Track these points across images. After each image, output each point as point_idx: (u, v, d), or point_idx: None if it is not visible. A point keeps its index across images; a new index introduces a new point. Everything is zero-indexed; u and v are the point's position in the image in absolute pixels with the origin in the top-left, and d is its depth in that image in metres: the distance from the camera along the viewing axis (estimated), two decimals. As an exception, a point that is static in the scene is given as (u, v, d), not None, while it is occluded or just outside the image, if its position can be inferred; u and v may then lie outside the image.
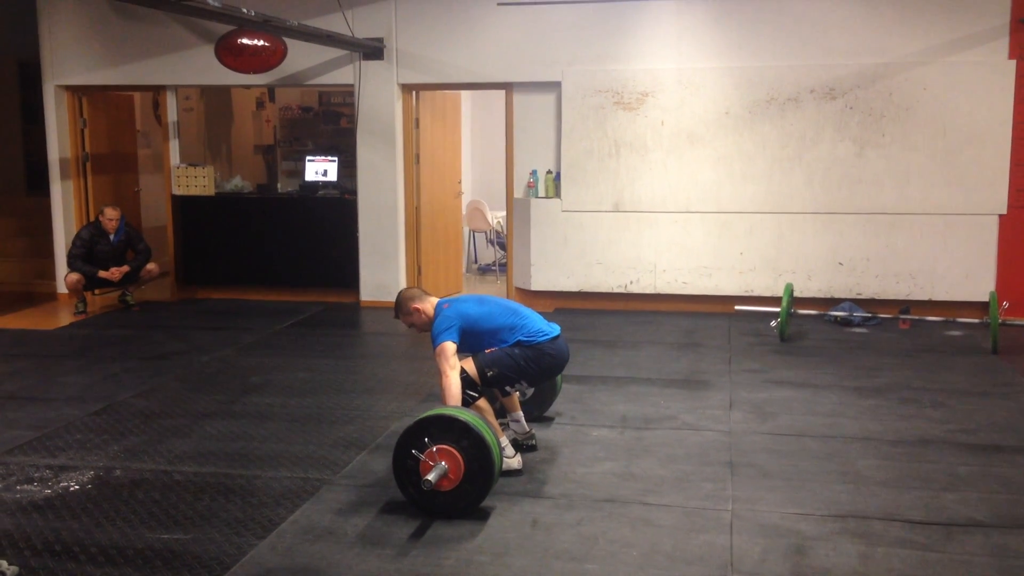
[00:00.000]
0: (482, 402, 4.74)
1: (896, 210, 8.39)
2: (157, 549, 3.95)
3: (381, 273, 9.37)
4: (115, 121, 10.42)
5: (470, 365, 4.72)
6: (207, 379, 6.67)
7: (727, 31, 8.51)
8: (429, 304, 4.91)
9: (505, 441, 4.75)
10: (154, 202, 10.86)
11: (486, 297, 5.02)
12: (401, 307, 4.97)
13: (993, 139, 8.18)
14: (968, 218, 8.30)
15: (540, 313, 5.08)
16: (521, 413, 5.11)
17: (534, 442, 5.09)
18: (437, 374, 4.69)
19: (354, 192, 9.41)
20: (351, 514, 4.31)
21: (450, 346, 4.67)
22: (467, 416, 4.28)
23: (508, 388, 4.89)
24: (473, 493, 4.22)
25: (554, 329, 4.93)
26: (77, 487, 4.64)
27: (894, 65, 8.25)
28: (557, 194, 8.99)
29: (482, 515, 4.26)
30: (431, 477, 4.10)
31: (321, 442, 5.29)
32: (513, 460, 4.74)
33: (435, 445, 4.18)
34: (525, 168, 9.10)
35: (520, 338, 4.79)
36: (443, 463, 4.17)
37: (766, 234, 8.63)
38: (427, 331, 4.88)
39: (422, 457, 4.18)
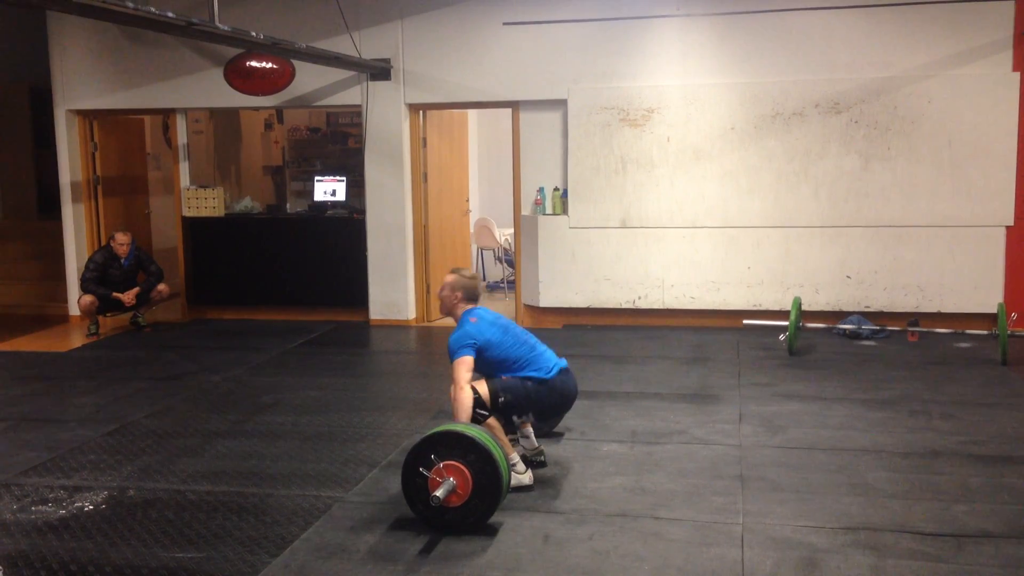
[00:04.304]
0: (492, 419, 4.76)
1: (903, 223, 8.41)
2: (171, 568, 3.98)
3: (390, 291, 9.41)
4: (125, 144, 10.52)
5: (483, 387, 4.75)
6: (219, 399, 6.71)
7: (731, 47, 8.56)
8: (462, 304, 4.93)
9: (516, 457, 4.76)
10: (164, 224, 10.93)
11: (509, 325, 4.99)
12: (450, 281, 4.94)
13: (999, 151, 8.19)
14: (975, 230, 8.31)
15: (550, 334, 5.11)
16: (531, 429, 5.13)
17: (543, 458, 5.10)
18: (451, 384, 4.73)
19: (363, 211, 9.47)
20: (363, 531, 4.33)
21: (468, 360, 4.71)
22: (473, 431, 4.31)
23: (516, 418, 4.92)
24: (482, 508, 4.24)
25: (562, 362, 4.99)
26: (91, 507, 4.68)
27: (898, 79, 8.28)
28: (564, 211, 9.02)
29: (493, 531, 4.28)
30: (439, 493, 4.12)
31: (333, 460, 5.32)
32: (524, 476, 4.76)
33: (442, 461, 4.21)
34: (532, 185, 9.15)
35: (531, 374, 4.84)
36: (451, 479, 4.19)
37: (773, 248, 8.65)
38: (446, 314, 4.97)
39: (429, 475, 4.21)
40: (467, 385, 4.64)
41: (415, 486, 4.27)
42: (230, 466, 5.26)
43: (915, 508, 4.45)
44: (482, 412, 4.69)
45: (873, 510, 4.44)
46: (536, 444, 5.12)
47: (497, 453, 4.26)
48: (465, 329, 4.81)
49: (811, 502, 4.54)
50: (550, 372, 4.89)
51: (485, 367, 4.85)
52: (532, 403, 4.84)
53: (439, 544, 4.16)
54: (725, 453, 5.28)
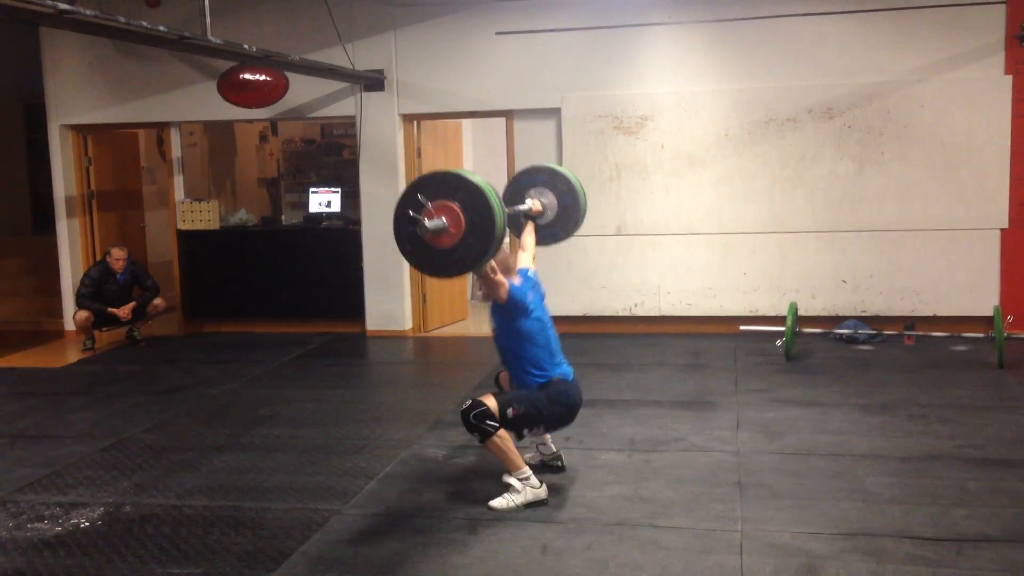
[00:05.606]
0: (502, 431, 4.60)
1: (898, 227, 8.42)
2: (168, 584, 3.97)
3: (386, 302, 9.40)
4: (120, 158, 10.51)
5: (491, 401, 4.61)
6: (215, 412, 6.69)
7: (724, 54, 8.58)
8: (511, 276, 4.86)
9: (528, 471, 4.68)
10: (160, 237, 10.92)
11: (546, 320, 4.91)
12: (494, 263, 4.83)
13: (992, 154, 8.21)
14: (970, 233, 8.32)
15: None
16: (548, 436, 5.12)
17: (561, 463, 5.12)
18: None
19: (358, 222, 9.46)
20: (361, 544, 4.31)
21: (506, 283, 4.67)
22: (459, 171, 4.30)
23: (526, 431, 4.77)
24: (476, 247, 4.19)
25: (571, 373, 4.92)
26: (87, 524, 4.66)
27: (891, 83, 8.30)
28: (560, 219, 9.00)
29: (492, 542, 4.26)
30: (428, 225, 4.11)
31: (330, 472, 5.30)
32: (540, 490, 4.66)
33: (432, 202, 4.17)
34: (527, 194, 9.13)
35: (542, 381, 4.76)
36: (442, 218, 4.15)
37: (769, 254, 8.66)
38: (488, 299, 4.86)
39: (421, 217, 4.15)
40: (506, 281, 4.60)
41: (407, 233, 4.23)
42: (227, 480, 5.24)
43: (914, 513, 4.44)
44: (492, 424, 4.55)
45: (872, 515, 4.43)
46: (553, 449, 5.13)
47: (488, 190, 4.19)
48: (526, 279, 4.93)
49: (810, 508, 4.53)
50: (561, 382, 4.79)
51: (516, 337, 4.74)
52: (542, 417, 4.71)
53: (437, 556, 4.14)
54: (723, 460, 5.27)
